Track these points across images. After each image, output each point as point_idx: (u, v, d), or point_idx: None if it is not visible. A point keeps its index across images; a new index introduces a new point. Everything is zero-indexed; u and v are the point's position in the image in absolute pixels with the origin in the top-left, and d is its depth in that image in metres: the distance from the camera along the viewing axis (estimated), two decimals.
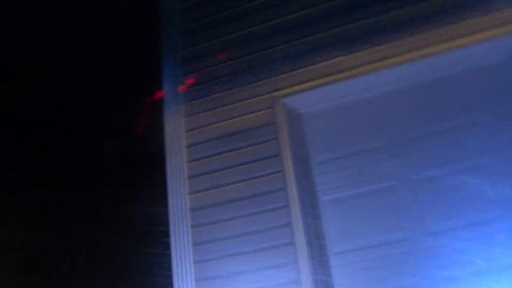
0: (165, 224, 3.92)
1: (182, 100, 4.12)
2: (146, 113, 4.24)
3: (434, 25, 3.69)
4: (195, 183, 3.92)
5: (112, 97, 4.39)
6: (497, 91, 3.66)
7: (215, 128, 3.98)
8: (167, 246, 3.86)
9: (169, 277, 3.79)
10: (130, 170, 4.30)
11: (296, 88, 3.85)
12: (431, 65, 3.66)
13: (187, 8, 4.36)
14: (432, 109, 3.73)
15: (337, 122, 3.90)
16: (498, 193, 3.51)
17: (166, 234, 3.88)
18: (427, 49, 3.65)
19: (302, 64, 3.91)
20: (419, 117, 3.74)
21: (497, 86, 3.64)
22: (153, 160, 4.08)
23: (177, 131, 4.05)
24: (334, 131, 3.88)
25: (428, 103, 3.75)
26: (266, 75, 3.98)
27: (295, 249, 3.60)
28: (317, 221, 3.75)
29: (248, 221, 3.73)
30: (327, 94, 3.83)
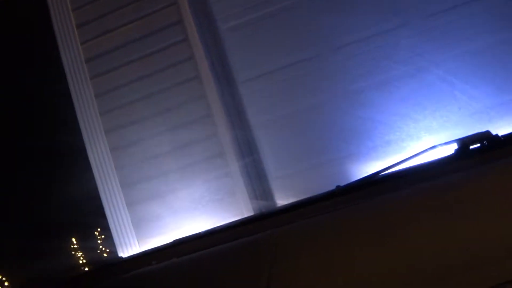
0: (62, 79, 3.67)
1: None
2: None
3: None
4: (85, 31, 3.63)
5: None
6: None
7: None
8: (68, 100, 3.65)
9: (77, 129, 3.62)
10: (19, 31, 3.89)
11: None
12: None
13: None
14: None
15: None
16: (399, 2, 3.43)
17: (65, 87, 3.65)
18: None
19: None
20: None
21: None
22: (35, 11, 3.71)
23: None
24: None
25: None
26: None
27: (201, 82, 3.48)
28: (221, 51, 3.60)
29: (149, 61, 3.55)
30: None
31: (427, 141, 3.28)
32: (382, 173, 1.60)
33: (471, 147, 1.51)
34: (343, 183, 3.23)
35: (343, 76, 3.47)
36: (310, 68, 3.52)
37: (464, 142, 1.50)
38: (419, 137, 3.30)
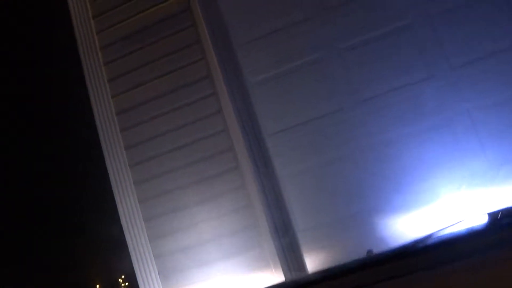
0: (93, 130, 3.76)
1: (88, 1, 3.82)
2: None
3: None
4: (116, 85, 3.74)
5: None
6: None
7: (127, 25, 3.74)
8: (99, 153, 3.73)
9: (107, 180, 3.70)
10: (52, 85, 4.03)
11: None
12: None
13: None
14: None
15: None
16: (425, 55, 3.46)
17: (96, 139, 3.74)
18: None
19: None
20: None
21: None
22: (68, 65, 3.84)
23: (88, 33, 3.79)
24: (252, 9, 3.68)
25: None
26: None
27: (229, 135, 3.54)
28: (248, 105, 3.66)
29: (177, 115, 3.62)
30: None
31: (455, 191, 3.27)
32: (411, 246, 1.61)
33: (502, 221, 1.52)
34: (369, 238, 3.25)
35: (369, 129, 3.48)
36: (336, 120, 3.55)
37: (494, 216, 1.52)
38: (447, 186, 3.29)
